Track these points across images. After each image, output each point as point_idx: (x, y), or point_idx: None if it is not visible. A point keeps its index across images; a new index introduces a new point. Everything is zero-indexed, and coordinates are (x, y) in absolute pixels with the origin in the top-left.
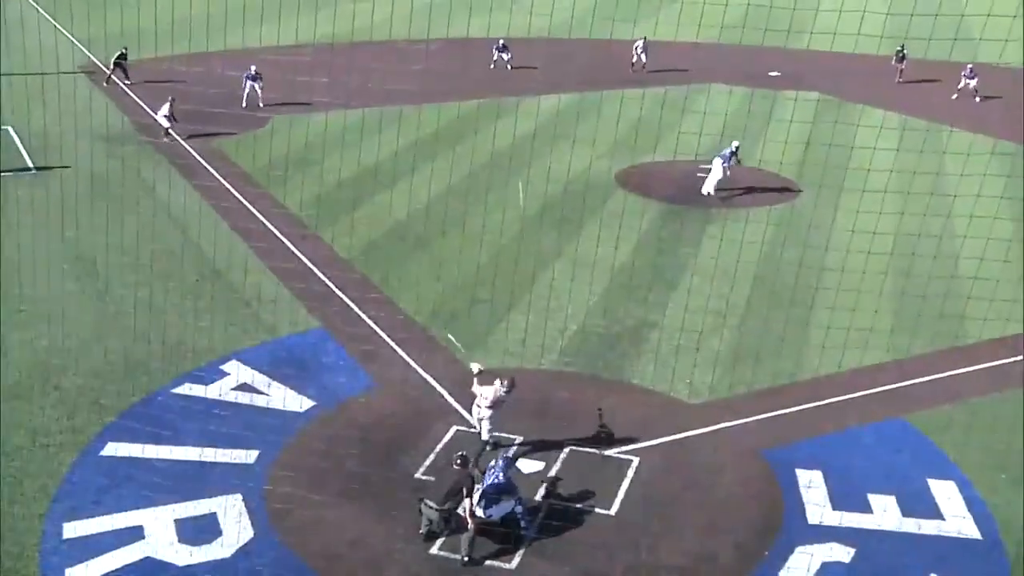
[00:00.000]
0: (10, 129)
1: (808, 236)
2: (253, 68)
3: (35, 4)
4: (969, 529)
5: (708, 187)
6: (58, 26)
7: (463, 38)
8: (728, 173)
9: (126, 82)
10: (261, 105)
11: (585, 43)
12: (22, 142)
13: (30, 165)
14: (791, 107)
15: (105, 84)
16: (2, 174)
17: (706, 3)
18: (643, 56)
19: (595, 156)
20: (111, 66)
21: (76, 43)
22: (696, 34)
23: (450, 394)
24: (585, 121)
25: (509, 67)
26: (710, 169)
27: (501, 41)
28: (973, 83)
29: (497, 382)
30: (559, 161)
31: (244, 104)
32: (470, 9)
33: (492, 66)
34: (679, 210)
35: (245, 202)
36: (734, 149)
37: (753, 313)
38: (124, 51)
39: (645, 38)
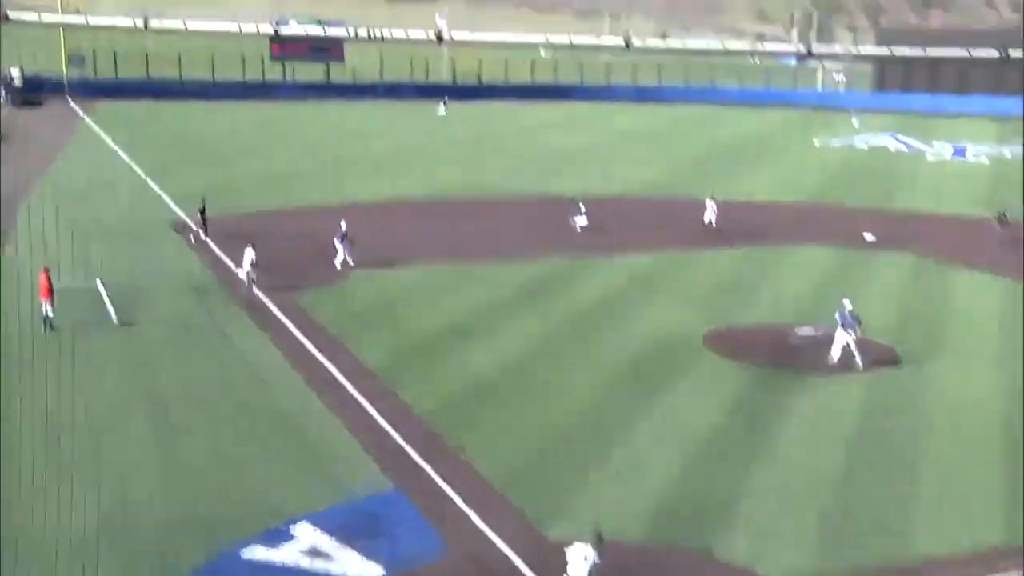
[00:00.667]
0: (98, 282)
1: (908, 403)
2: (343, 226)
3: (130, 160)
4: None
5: (834, 357)
6: (150, 182)
7: (542, 195)
8: (855, 335)
9: (204, 236)
10: (352, 264)
11: (665, 202)
12: (109, 296)
13: (114, 320)
14: (885, 269)
15: (192, 240)
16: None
17: (792, 164)
18: (713, 216)
19: (681, 316)
20: (198, 221)
21: (167, 199)
22: (782, 194)
23: (527, 565)
24: (670, 280)
25: (586, 226)
26: (810, 334)
27: (578, 202)
28: None
29: (587, 550)
30: (644, 321)
31: (339, 266)
32: (548, 170)
33: (573, 225)
34: (771, 374)
35: (321, 357)
36: (850, 311)
37: (851, 485)
38: (203, 204)
39: (713, 195)
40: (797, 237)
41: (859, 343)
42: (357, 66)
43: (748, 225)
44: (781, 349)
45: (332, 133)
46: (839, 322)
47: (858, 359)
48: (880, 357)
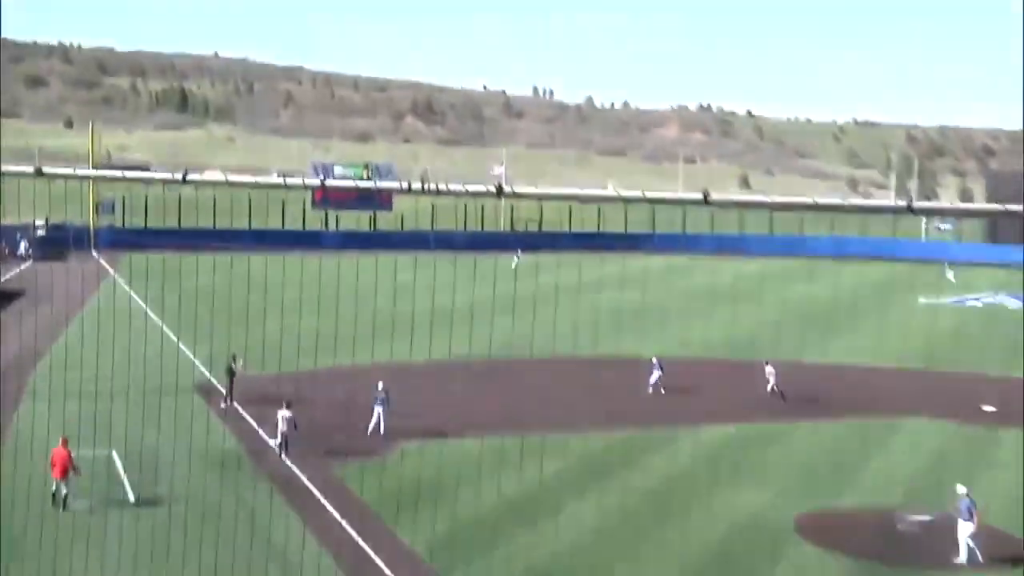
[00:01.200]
0: (114, 454)
1: None
2: (381, 387)
3: (156, 316)
4: None
5: (962, 556)
6: (177, 341)
7: (611, 357)
8: (975, 525)
9: (232, 401)
10: (382, 432)
11: (749, 366)
12: (126, 469)
13: (131, 497)
14: (1007, 446)
15: (223, 405)
16: (103, 502)
17: (895, 324)
18: (774, 382)
19: (771, 497)
20: (226, 384)
21: (195, 359)
22: (884, 358)
23: None
24: (757, 455)
25: (661, 391)
26: (922, 520)
27: (654, 359)
28: None
29: None
30: (727, 503)
31: (370, 431)
32: (618, 328)
33: (649, 390)
34: (877, 568)
35: (362, 541)
36: (968, 497)
37: None
38: (233, 361)
39: (767, 361)
40: (902, 407)
41: (977, 533)
42: (406, 213)
43: (844, 393)
44: (888, 538)
45: (379, 286)
46: (960, 511)
47: (978, 553)
48: (1008, 552)
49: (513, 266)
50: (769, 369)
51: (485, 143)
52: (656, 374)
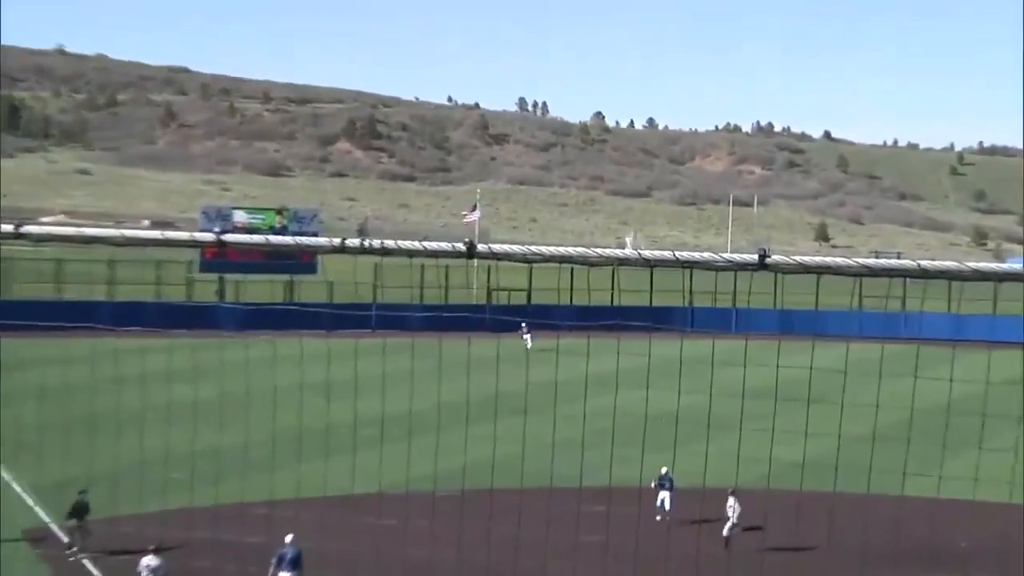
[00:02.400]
0: None
1: None
2: (290, 540)
3: None
4: None
5: None
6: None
7: (639, 485)
8: None
9: (80, 554)
10: None
11: (850, 499)
12: None
13: None
14: None
15: (67, 553)
16: None
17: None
18: (734, 518)
19: None
20: (71, 528)
21: (23, 494)
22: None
23: None
24: None
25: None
26: None
27: (730, 497)
28: None
29: None
30: None
31: None
32: (639, 442)
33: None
34: None
35: None
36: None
37: None
38: (83, 495)
39: (732, 491)
40: None
41: None
42: (338, 277)
43: (950, 546)
44: None
45: (294, 384)
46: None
47: None
48: None
49: (528, 346)
50: (731, 502)
51: (452, 179)
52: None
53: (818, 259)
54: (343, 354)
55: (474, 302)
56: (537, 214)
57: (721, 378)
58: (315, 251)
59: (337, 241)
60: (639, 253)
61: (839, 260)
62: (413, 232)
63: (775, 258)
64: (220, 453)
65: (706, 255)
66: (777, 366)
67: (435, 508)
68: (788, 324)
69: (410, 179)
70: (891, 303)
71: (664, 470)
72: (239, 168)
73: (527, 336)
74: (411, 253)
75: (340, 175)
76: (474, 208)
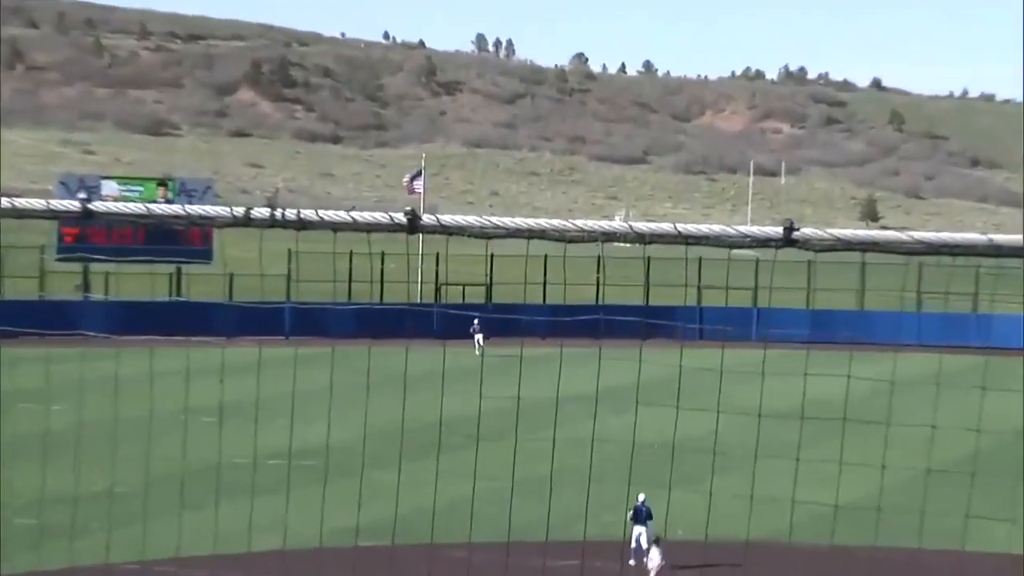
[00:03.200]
0: None
1: None
2: None
3: None
4: None
5: None
6: None
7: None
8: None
9: None
10: None
11: (904, 555)
12: None
13: None
14: None
15: None
16: None
17: None
18: None
19: None
20: None
21: None
22: None
23: None
24: None
25: None
26: None
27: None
28: None
29: None
30: None
31: None
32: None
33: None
34: None
35: None
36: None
37: None
38: None
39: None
40: None
41: None
42: (238, 266)
43: None
44: None
45: (177, 407)
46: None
47: None
48: None
49: (477, 352)
50: (654, 554)
51: (389, 140)
52: (638, 531)
53: (861, 233)
54: (244, 366)
55: (419, 300)
56: (500, 185)
57: (734, 397)
58: (210, 225)
59: (240, 211)
60: (630, 226)
61: (888, 234)
62: (339, 203)
63: (805, 231)
64: (78, 500)
65: (716, 228)
66: (805, 382)
67: (357, 569)
68: (822, 328)
69: (334, 140)
70: (955, 302)
71: (641, 497)
72: (108, 125)
73: (479, 336)
74: (336, 227)
75: (242, 134)
76: (417, 176)
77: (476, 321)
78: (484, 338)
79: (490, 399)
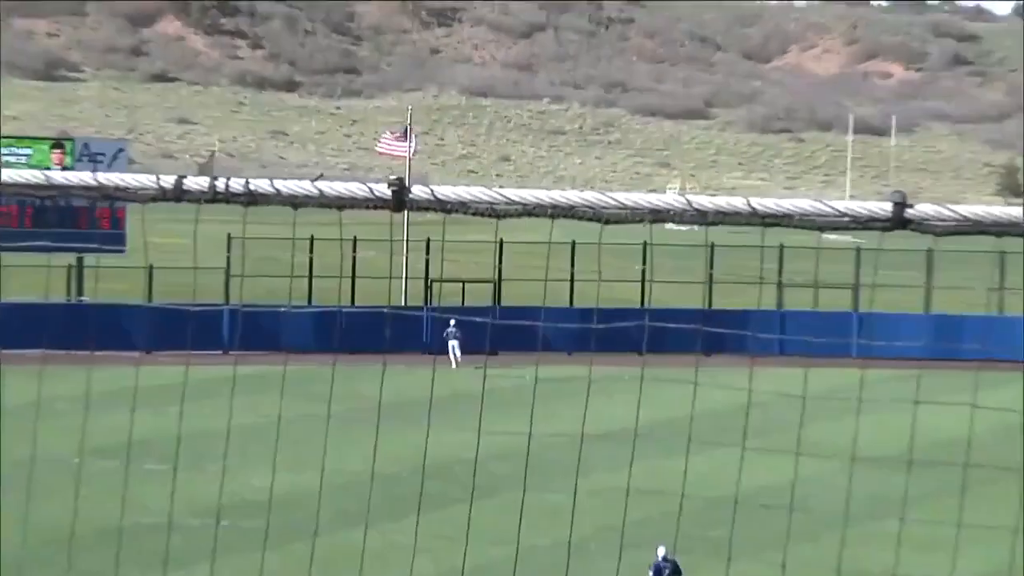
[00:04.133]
0: None
1: None
2: None
3: None
4: None
5: None
6: None
7: None
8: None
9: None
10: None
11: None
12: None
13: None
14: None
15: None
16: None
17: None
18: None
19: None
20: None
21: None
22: None
23: None
24: None
25: None
26: None
27: None
28: None
29: None
30: None
31: None
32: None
33: None
34: None
35: None
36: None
37: None
38: None
39: None
40: None
41: None
42: (163, 256)
43: None
44: None
45: (70, 445)
46: None
47: None
48: None
49: (454, 365)
50: None
51: (364, 87)
52: None
53: (996, 210)
54: (165, 391)
55: (403, 302)
56: (512, 148)
57: (821, 435)
58: (127, 200)
59: (169, 180)
60: (687, 201)
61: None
62: (295, 171)
63: (922, 209)
64: None
65: (803, 204)
66: (915, 413)
67: None
68: (944, 339)
69: (289, 87)
70: None
71: (662, 552)
72: None
73: (454, 343)
74: (295, 202)
75: (164, 79)
76: (403, 135)
77: (452, 323)
78: (461, 345)
79: (494, 436)
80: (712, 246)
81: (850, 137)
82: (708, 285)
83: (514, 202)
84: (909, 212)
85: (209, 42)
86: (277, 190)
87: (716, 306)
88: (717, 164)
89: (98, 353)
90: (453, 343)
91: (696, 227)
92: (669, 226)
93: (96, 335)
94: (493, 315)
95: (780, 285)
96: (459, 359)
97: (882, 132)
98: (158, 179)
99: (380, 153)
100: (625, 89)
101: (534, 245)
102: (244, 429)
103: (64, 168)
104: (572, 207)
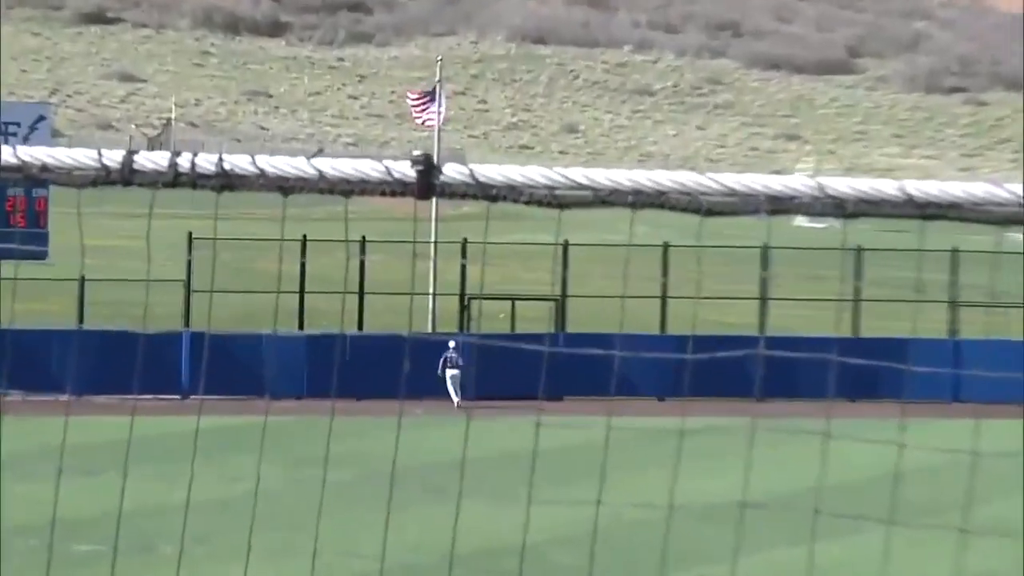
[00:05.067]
0: None
1: None
2: None
3: None
4: None
5: None
6: None
7: None
8: None
9: None
10: None
11: None
12: None
13: None
14: None
15: None
16: None
17: None
18: None
19: None
20: None
21: None
22: None
23: None
24: None
25: None
26: None
27: None
28: None
29: None
30: None
31: None
32: None
33: None
34: None
35: None
36: None
37: None
38: None
39: None
40: None
41: None
42: (97, 268)
43: None
44: None
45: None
46: None
47: None
48: None
49: (455, 399)
50: None
51: (376, 32)
52: None
53: None
54: (101, 449)
55: (430, 327)
56: (578, 113)
57: (1008, 510)
58: (59, 182)
59: (115, 157)
60: (820, 186)
61: None
62: (283, 151)
63: None
64: None
65: (981, 190)
66: None
67: None
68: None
69: (273, 30)
70: None
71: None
72: None
73: (453, 372)
74: (287, 187)
75: (100, 19)
76: (431, 97)
77: (452, 346)
78: (460, 379)
79: (554, 511)
80: (859, 250)
81: None
82: (853, 304)
83: (583, 186)
84: None
85: None
86: (261, 170)
87: (863, 333)
88: (866, 136)
89: (11, 395)
90: (452, 373)
91: (834, 223)
92: (798, 221)
93: (9, 372)
94: (554, 343)
95: (953, 303)
96: (459, 396)
97: None
98: (100, 155)
99: (417, 122)
100: (737, 33)
101: (610, 248)
102: (210, 504)
103: None
104: (662, 194)
